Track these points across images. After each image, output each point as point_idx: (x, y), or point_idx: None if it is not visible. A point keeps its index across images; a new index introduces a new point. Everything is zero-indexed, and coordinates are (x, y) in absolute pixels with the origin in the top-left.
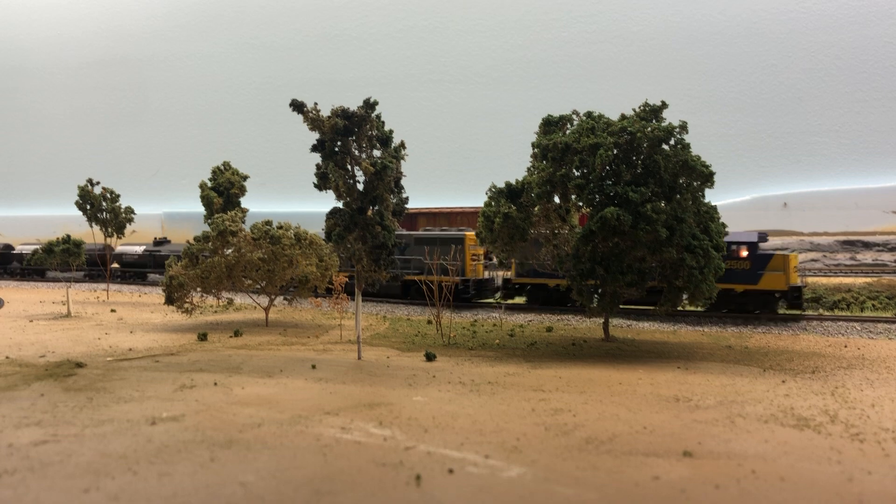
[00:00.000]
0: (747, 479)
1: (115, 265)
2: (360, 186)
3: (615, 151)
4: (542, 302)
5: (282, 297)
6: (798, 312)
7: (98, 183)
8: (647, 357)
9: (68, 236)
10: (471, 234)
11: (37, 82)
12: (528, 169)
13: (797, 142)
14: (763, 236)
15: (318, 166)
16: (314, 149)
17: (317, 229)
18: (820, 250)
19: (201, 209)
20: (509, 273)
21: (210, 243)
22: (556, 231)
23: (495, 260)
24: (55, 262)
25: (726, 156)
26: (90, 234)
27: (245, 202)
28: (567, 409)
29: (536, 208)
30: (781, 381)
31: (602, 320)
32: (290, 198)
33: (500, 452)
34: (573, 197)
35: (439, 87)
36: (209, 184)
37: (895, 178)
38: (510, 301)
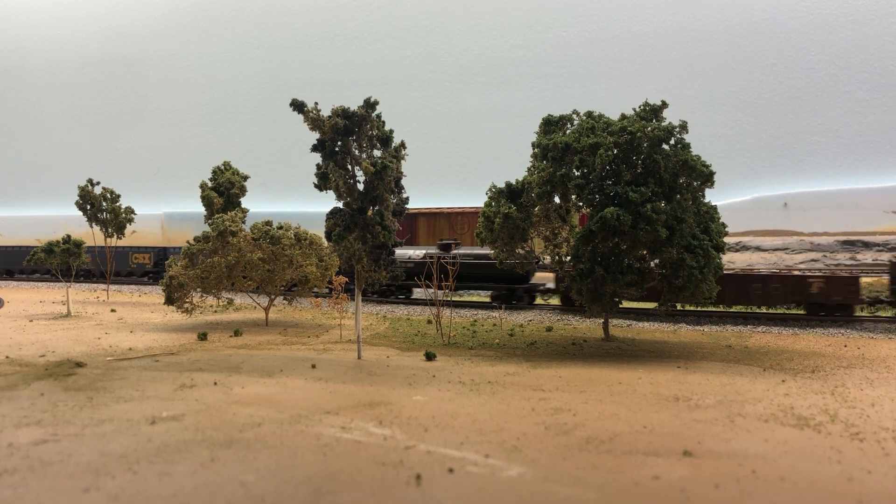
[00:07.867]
0: (747, 479)
1: None
2: (361, 186)
3: (615, 151)
4: None
5: (282, 297)
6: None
7: (98, 183)
8: (647, 357)
9: (68, 236)
10: None
11: (36, 82)
12: (528, 169)
13: (797, 142)
14: None
15: (318, 166)
16: (314, 149)
17: (317, 229)
18: (820, 250)
19: (202, 209)
20: None
21: (210, 243)
22: (556, 231)
23: None
24: (55, 262)
25: (726, 156)
26: (90, 235)
27: (245, 202)
28: (567, 408)
29: (536, 208)
30: (781, 380)
31: (602, 320)
32: (291, 198)
33: (501, 452)
34: (573, 197)
35: (439, 87)
36: (209, 184)
37: (895, 178)
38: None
